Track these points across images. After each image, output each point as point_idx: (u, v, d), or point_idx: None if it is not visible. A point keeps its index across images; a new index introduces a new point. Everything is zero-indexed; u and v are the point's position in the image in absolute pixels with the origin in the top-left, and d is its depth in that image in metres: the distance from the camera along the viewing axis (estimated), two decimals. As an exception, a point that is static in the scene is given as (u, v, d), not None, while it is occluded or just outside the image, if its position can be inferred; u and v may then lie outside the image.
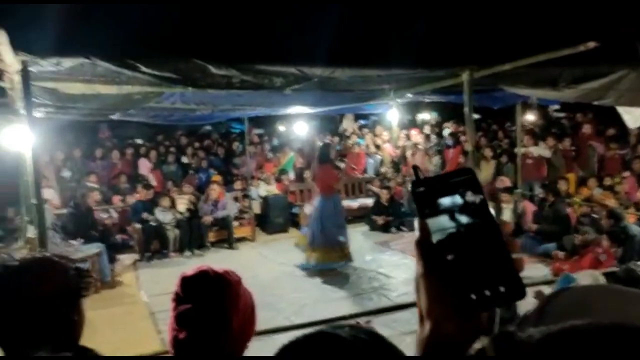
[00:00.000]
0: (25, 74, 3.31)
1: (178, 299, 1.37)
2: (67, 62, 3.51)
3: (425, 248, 0.55)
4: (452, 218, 0.54)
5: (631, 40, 3.88)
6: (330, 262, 7.00)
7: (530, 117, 9.21)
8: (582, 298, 0.64)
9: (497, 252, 0.53)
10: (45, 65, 3.53)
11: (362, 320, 3.52)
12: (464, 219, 0.54)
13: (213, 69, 3.69)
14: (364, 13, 3.71)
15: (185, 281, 1.39)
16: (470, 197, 0.55)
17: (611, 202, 6.80)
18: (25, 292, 1.16)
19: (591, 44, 3.46)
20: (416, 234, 0.55)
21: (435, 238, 0.54)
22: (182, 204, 8.81)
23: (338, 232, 6.98)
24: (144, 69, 3.50)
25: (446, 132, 10.92)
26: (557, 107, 10.72)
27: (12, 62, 3.32)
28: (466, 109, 4.61)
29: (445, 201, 0.55)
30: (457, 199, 0.55)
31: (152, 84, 4.14)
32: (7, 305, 1.16)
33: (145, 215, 8.39)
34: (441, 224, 0.54)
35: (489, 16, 3.73)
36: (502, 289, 0.52)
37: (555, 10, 3.61)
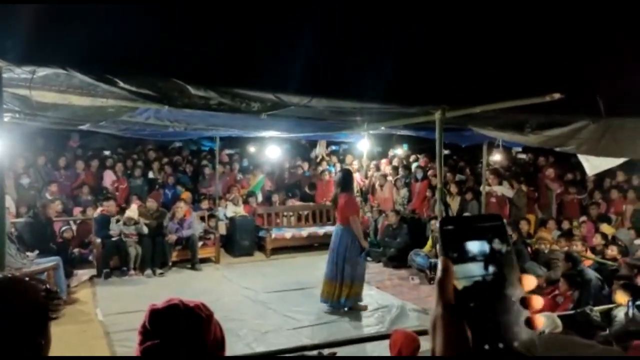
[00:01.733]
0: (-3, 79, 3.23)
1: (145, 333, 1.32)
2: (42, 71, 3.46)
3: (446, 288, 0.53)
4: (483, 266, 0.54)
5: (593, 94, 4.12)
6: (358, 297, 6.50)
7: (496, 157, 9.52)
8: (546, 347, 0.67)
9: (516, 306, 0.53)
10: (18, 72, 3.46)
11: (325, 351, 3.49)
12: (491, 268, 0.54)
13: (192, 90, 3.69)
14: (344, 47, 3.81)
15: (154, 314, 1.35)
16: (497, 244, 0.55)
17: (578, 246, 7.03)
18: None
19: (556, 95, 3.65)
20: (438, 273, 0.54)
21: (461, 284, 0.54)
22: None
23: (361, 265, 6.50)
24: (121, 84, 3.47)
25: (415, 165, 11.15)
26: (519, 149, 11.15)
27: (-15, 66, 3.24)
28: (437, 147, 4.75)
29: (473, 245, 0.55)
30: (485, 245, 0.55)
31: (128, 99, 4.10)
32: None
33: (111, 230, 8.15)
34: (469, 270, 0.54)
35: (464, 60, 3.89)
36: (515, 344, 0.52)
37: (525, 61, 3.80)
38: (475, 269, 0.54)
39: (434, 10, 3.61)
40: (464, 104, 4.49)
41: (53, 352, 1.27)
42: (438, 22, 3.70)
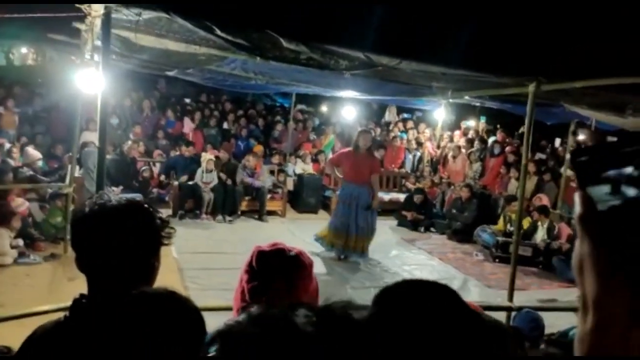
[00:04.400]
0: (107, 19, 3.39)
1: (252, 272, 1.38)
2: (147, 14, 3.59)
3: (591, 222, 0.47)
4: (617, 190, 0.46)
5: None
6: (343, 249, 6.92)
7: (581, 137, 8.93)
8: None
9: None
10: (126, 13, 3.61)
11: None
12: (632, 192, 0.45)
13: (284, 43, 3.70)
14: (441, 10, 3.66)
15: (261, 256, 1.40)
16: None
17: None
18: (117, 231, 1.22)
19: (674, 76, 3.34)
20: (577, 208, 0.49)
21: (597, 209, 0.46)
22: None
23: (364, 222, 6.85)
24: (218, 32, 3.54)
25: (491, 139, 10.73)
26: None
27: (97, 6, 3.41)
28: (526, 122, 4.52)
29: (612, 172, 0.47)
30: (629, 171, 0.46)
31: (221, 47, 4.19)
32: (101, 240, 1.22)
33: (181, 177, 8.55)
34: (603, 194, 0.46)
35: (565, 27, 3.63)
36: None
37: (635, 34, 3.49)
38: (610, 192, 0.46)
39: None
40: (563, 77, 4.21)
41: None
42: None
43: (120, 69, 6.36)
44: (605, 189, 0.46)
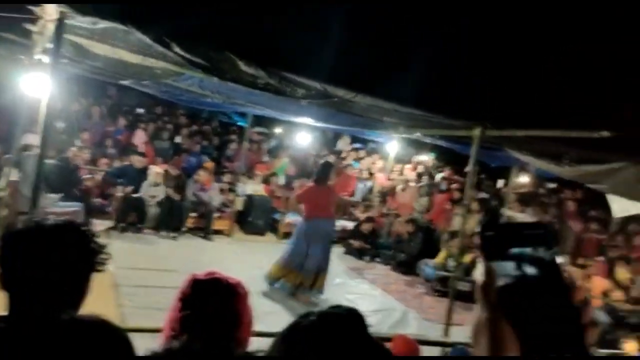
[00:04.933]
0: (60, 24, 3.30)
1: (185, 301, 1.36)
2: (103, 24, 3.52)
3: (490, 293, 0.52)
4: (519, 267, 0.52)
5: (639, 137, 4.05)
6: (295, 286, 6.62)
7: (523, 179, 9.36)
8: None
9: (567, 314, 0.50)
10: (81, 20, 3.53)
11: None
12: (531, 270, 0.51)
13: (243, 66, 3.73)
14: (402, 48, 3.80)
15: (197, 284, 1.38)
16: (542, 253, 0.52)
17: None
18: (52, 252, 1.17)
19: (605, 133, 3.59)
20: (479, 277, 0.53)
21: (500, 282, 0.52)
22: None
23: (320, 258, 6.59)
24: (177, 49, 3.52)
25: (439, 176, 11.07)
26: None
27: (51, 10, 3.31)
28: (470, 164, 4.72)
29: (514, 251, 0.53)
30: (527, 252, 0.52)
31: (178, 63, 4.15)
32: (31, 259, 1.17)
33: (127, 187, 8.29)
34: (505, 269, 0.52)
35: (513, 79, 3.85)
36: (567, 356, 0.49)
37: (578, 93, 3.74)
38: (512, 269, 0.52)
39: (491, 23, 3.57)
40: (506, 125, 4.45)
41: None
42: (494, 34, 3.66)
43: (69, 72, 6.15)
44: (508, 265, 0.52)
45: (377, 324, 6.25)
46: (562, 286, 0.52)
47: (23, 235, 1.19)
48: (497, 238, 0.54)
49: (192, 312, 1.35)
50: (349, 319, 0.79)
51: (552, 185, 9.77)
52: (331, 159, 11.95)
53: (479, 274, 0.54)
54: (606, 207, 7.55)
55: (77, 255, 1.22)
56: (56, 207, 6.49)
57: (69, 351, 1.01)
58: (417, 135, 7.09)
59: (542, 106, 3.93)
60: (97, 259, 1.28)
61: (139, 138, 10.34)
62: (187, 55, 3.66)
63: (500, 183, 11.10)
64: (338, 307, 0.83)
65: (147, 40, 3.51)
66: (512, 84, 3.86)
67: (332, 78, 3.83)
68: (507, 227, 0.56)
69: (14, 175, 6.62)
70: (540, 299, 0.51)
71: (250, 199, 9.80)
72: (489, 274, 0.53)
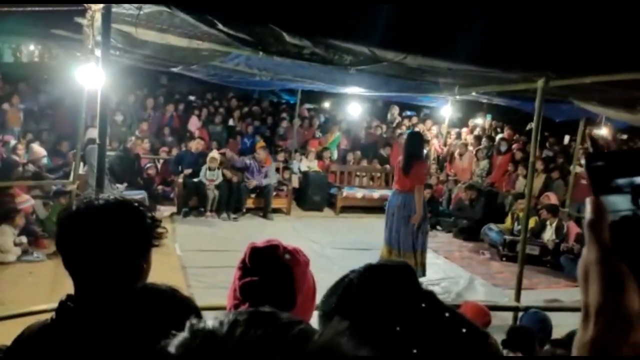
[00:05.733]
0: (107, 13, 3.34)
1: (244, 269, 1.33)
2: (147, 8, 3.55)
3: (601, 230, 0.47)
4: (635, 200, 0.46)
5: None
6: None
7: (603, 131, 8.73)
8: None
9: None
10: (126, 7, 3.57)
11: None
12: None
13: (287, 37, 3.65)
14: (448, 3, 3.58)
15: (255, 252, 1.35)
16: None
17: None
18: (104, 230, 1.17)
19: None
20: (587, 214, 0.48)
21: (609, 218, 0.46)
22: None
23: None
24: (221, 26, 3.49)
25: (499, 137, 10.62)
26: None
27: None
28: (535, 119, 4.43)
29: (625, 181, 0.47)
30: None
31: (223, 42, 4.14)
32: (87, 239, 1.17)
33: (186, 170, 8.49)
34: (616, 203, 0.47)
35: (575, 23, 3.54)
36: None
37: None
38: (623, 203, 0.46)
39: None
40: (572, 73, 4.12)
41: None
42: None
43: (122, 64, 6.31)
44: (620, 198, 0.46)
45: (443, 292, 6.13)
46: None
47: (74, 217, 1.20)
48: (606, 168, 0.47)
49: (252, 280, 1.33)
50: (395, 271, 0.78)
51: (623, 136, 9.10)
52: (383, 128, 11.76)
53: (587, 211, 0.48)
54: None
55: (129, 232, 1.21)
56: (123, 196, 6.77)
57: (144, 314, 1.02)
58: (473, 95, 6.76)
59: (610, 47, 3.59)
60: (153, 234, 1.27)
61: (193, 124, 10.58)
62: (232, 32, 3.63)
63: (566, 139, 10.51)
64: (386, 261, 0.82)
65: (190, 20, 3.50)
66: (573, 26, 3.55)
67: (380, 40, 3.67)
68: (618, 155, 0.49)
69: (82, 169, 6.97)
70: None
71: (305, 176, 9.83)
72: (598, 209, 0.47)
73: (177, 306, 1.15)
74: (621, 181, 0.47)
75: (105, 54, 3.42)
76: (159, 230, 1.31)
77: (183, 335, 0.45)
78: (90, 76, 4.11)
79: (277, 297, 1.29)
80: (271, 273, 1.32)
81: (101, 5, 3.35)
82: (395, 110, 12.60)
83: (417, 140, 6.17)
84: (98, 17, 3.60)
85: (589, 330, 0.48)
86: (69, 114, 8.65)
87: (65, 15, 4.51)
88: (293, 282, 1.33)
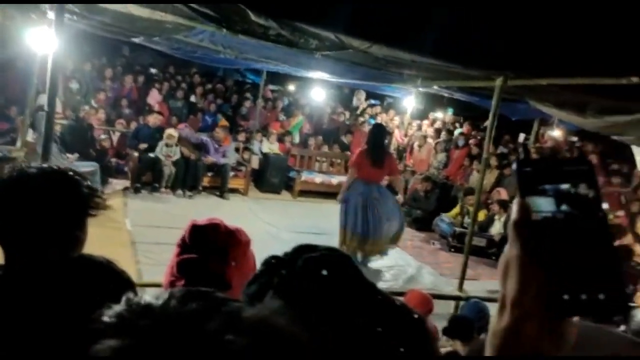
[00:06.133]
0: (64, -24, 3.19)
1: (183, 246, 1.33)
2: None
3: (524, 229, 0.50)
4: (556, 203, 0.49)
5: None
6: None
7: (555, 133, 9.07)
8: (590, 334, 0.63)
9: (604, 255, 0.47)
10: (85, -29, 3.42)
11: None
12: (565, 207, 0.49)
13: (253, 17, 3.59)
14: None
15: (195, 230, 1.35)
16: (583, 189, 0.49)
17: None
18: (36, 199, 1.14)
19: (635, 79, 3.41)
20: (513, 214, 0.51)
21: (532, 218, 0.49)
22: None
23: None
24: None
25: (457, 131, 10.87)
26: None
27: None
28: (491, 116, 4.57)
29: (550, 187, 0.50)
30: (566, 188, 0.49)
31: (187, 16, 4.02)
32: (18, 208, 1.14)
33: (142, 144, 8.26)
34: (539, 205, 0.49)
35: (536, 26, 3.65)
36: (601, 296, 0.46)
37: (605, 37, 3.54)
38: (547, 205, 0.49)
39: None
40: (529, 74, 4.26)
41: (83, 251, 1.28)
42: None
43: (78, 30, 6.04)
44: (543, 200, 0.49)
45: (392, 279, 6.28)
46: (603, 228, 0.48)
47: (4, 185, 1.16)
48: (534, 174, 0.51)
49: (190, 257, 1.33)
50: (338, 260, 0.75)
51: (573, 139, 9.50)
52: (346, 115, 11.81)
53: (513, 211, 0.52)
54: (628, 161, 7.34)
55: (63, 201, 1.17)
56: (72, 167, 6.53)
57: (78, 284, 1.01)
58: (435, 88, 6.87)
59: (567, 52, 3.72)
60: (90, 203, 1.24)
61: (154, 98, 10.29)
62: (196, 6, 3.54)
63: (521, 137, 10.87)
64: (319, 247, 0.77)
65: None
66: (534, 29, 3.66)
67: (347, 27, 3.67)
68: (546, 163, 0.52)
69: (30, 136, 6.68)
70: (574, 238, 0.48)
71: (266, 158, 9.77)
72: (523, 209, 0.50)
73: (111, 278, 1.14)
74: (547, 187, 0.50)
75: (59, 18, 3.27)
76: (97, 200, 1.27)
77: (118, 306, 0.45)
78: (43, 40, 3.91)
79: (213, 275, 1.30)
80: (209, 251, 1.32)
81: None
82: (362, 95, 12.64)
83: (383, 132, 6.43)
84: (54, -22, 3.44)
85: (504, 319, 0.51)
86: (20, 77, 8.22)
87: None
88: (231, 261, 1.33)
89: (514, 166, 0.53)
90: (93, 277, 1.09)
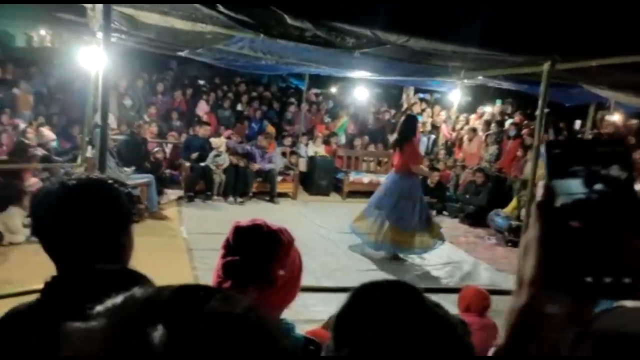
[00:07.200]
0: (108, -4, 3.36)
1: (228, 248, 1.34)
2: (149, -9, 3.55)
3: (547, 210, 0.50)
4: (586, 184, 0.48)
5: None
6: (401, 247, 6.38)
7: (615, 117, 8.56)
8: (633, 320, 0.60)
9: (633, 238, 0.45)
10: (127, -10, 3.57)
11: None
12: (599, 187, 0.47)
13: (288, 19, 3.63)
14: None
15: (238, 231, 1.37)
16: (615, 171, 0.47)
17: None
18: (79, 210, 1.16)
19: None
20: (538, 196, 0.51)
21: (559, 201, 0.48)
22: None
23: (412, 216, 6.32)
24: (221, 8, 3.48)
25: (509, 122, 10.49)
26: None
27: (98, -18, 3.37)
28: (540, 102, 4.38)
29: (580, 168, 0.48)
30: (597, 169, 0.48)
31: (225, 25, 4.12)
32: (62, 221, 1.16)
33: (193, 155, 8.54)
34: (569, 187, 0.48)
35: (581, 5, 3.47)
36: (626, 280, 0.45)
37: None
38: (577, 186, 0.48)
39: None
40: (577, 56, 4.05)
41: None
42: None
43: (128, 48, 6.32)
44: (574, 182, 0.48)
45: (447, 276, 6.15)
46: (634, 210, 0.46)
47: (46, 199, 1.18)
48: (564, 155, 0.49)
49: (234, 258, 1.35)
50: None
51: (633, 121, 8.91)
52: (392, 113, 11.69)
53: (538, 193, 0.52)
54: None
55: (104, 210, 1.19)
56: (129, 180, 6.83)
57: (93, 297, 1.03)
58: (480, 78, 6.67)
59: (616, 30, 3.52)
60: (131, 210, 1.27)
61: (202, 108, 10.60)
62: (232, 14, 3.62)
63: (577, 124, 10.36)
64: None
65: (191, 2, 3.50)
66: (579, 9, 3.48)
67: (382, 22, 3.64)
68: (577, 144, 0.50)
69: (89, 152, 7.04)
70: (605, 221, 0.46)
71: (312, 160, 9.84)
72: (549, 192, 0.50)
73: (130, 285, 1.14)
74: (576, 168, 0.48)
75: (107, 37, 3.44)
76: (137, 206, 1.30)
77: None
78: (94, 59, 4.12)
79: (257, 276, 1.31)
80: (252, 252, 1.34)
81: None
82: (411, 91, 12.46)
83: (412, 124, 6.47)
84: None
85: (521, 298, 0.51)
86: (78, 97, 8.71)
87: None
88: (274, 261, 1.34)
89: (542, 149, 0.51)
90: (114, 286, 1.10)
